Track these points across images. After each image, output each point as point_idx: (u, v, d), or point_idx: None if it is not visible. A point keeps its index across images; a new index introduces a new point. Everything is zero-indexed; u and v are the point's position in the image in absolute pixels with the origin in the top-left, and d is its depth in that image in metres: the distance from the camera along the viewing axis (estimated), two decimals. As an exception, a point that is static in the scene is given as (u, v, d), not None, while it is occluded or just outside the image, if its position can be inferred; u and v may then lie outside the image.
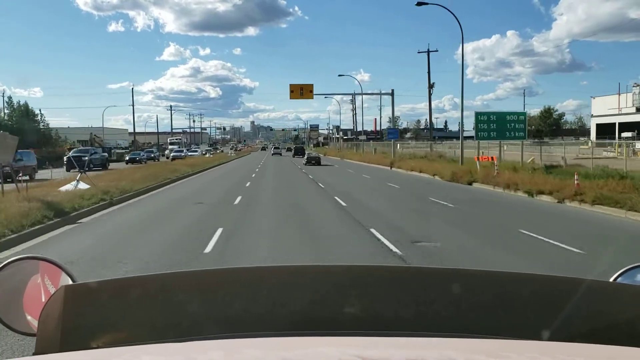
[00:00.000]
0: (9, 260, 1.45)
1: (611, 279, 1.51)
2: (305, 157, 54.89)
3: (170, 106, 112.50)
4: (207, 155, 75.62)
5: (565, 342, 1.15)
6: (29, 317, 1.41)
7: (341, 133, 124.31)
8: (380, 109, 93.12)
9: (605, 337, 1.15)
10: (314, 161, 49.36)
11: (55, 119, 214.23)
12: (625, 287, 1.43)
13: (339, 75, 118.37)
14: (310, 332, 1.20)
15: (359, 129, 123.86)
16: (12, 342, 4.92)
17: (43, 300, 1.37)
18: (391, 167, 41.58)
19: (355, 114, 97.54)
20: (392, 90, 51.49)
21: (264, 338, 1.15)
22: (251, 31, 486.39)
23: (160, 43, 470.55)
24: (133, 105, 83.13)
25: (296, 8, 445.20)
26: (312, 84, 52.47)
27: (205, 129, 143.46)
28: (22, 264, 1.49)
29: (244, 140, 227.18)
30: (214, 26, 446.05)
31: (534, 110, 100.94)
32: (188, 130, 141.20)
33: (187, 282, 1.36)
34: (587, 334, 1.19)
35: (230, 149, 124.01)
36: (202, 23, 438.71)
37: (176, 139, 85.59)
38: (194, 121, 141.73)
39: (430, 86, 56.18)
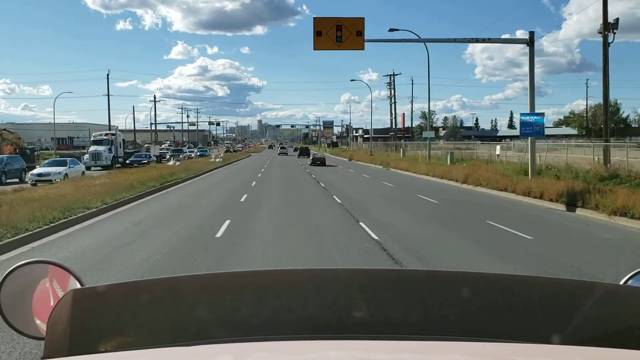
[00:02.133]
0: (18, 264, 1.45)
1: (621, 282, 1.48)
2: (310, 157, 56.18)
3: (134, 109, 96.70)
4: (171, 163, 44.73)
5: (575, 346, 1.14)
6: (37, 321, 1.40)
7: (360, 132, 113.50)
8: (412, 101, 73.40)
9: (616, 341, 1.14)
10: (319, 162, 49.18)
11: (63, 116, 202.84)
12: (636, 290, 1.40)
13: (351, 80, 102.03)
14: (318, 335, 1.20)
15: (355, 127, 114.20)
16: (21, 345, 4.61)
17: (52, 304, 1.35)
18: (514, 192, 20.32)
19: (394, 101, 75.29)
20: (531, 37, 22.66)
21: (273, 342, 1.15)
22: (259, 30, 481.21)
23: (168, 42, 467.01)
24: (108, 95, 68.86)
25: (304, 7, 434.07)
26: (363, 19, 21.64)
27: (193, 124, 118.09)
28: (30, 268, 1.48)
29: (244, 140, 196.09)
30: (221, 25, 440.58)
31: (580, 105, 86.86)
32: (180, 126, 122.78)
33: (195, 285, 1.35)
34: (597, 337, 1.18)
35: (226, 151, 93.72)
36: (210, 22, 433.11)
37: (104, 134, 46.91)
38: (187, 116, 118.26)
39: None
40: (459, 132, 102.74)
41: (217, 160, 55.49)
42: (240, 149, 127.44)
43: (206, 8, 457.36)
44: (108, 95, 68.59)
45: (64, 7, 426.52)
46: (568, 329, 1.20)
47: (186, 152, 71.11)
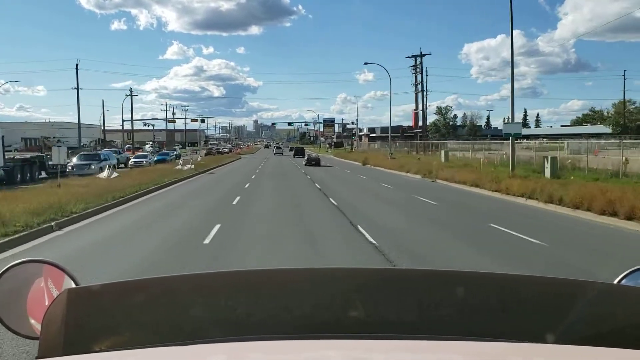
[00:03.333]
0: (12, 263, 1.43)
1: (615, 281, 1.48)
2: (305, 157, 54.52)
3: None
4: (104, 175, 26.29)
5: (570, 345, 1.14)
6: (32, 321, 1.39)
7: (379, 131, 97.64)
8: (425, 94, 60.94)
9: (610, 340, 1.14)
10: (314, 162, 48.85)
11: (59, 117, 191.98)
12: (629, 289, 1.40)
13: (365, 64, 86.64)
14: (314, 335, 1.19)
15: (355, 126, 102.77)
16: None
17: (46, 303, 1.34)
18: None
19: (423, 89, 59.18)
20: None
21: (269, 342, 1.15)
22: (255, 30, 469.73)
23: (163, 42, 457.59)
24: (78, 88, 58.98)
25: (300, 7, 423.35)
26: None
27: (172, 121, 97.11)
28: (25, 267, 1.47)
29: (236, 139, 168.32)
30: (217, 25, 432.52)
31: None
32: (165, 125, 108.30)
33: (190, 285, 1.35)
34: (591, 336, 1.18)
35: (206, 153, 76.14)
36: (205, 22, 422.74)
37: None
38: (173, 114, 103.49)
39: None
40: (478, 130, 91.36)
41: (187, 167, 37.64)
42: (228, 150, 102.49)
43: (201, 8, 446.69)
44: (77, 88, 59.17)
45: (57, 6, 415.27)
46: (562, 328, 1.20)
47: (118, 157, 42.72)
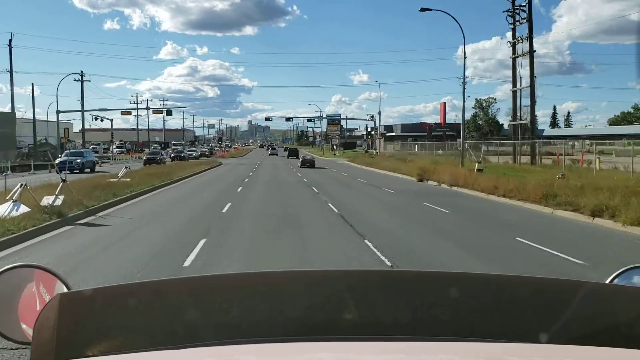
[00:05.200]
0: (3, 268, 1.42)
1: (608, 281, 1.49)
2: (300, 159, 52.00)
3: None
4: None
5: (563, 345, 1.15)
6: (24, 326, 1.38)
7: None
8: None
9: (604, 340, 1.14)
10: (308, 164, 48.49)
11: (47, 116, 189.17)
12: (622, 288, 1.41)
13: (421, 10, 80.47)
14: (308, 337, 1.19)
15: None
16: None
17: (38, 308, 1.34)
18: None
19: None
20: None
21: (262, 344, 1.14)
22: (249, 30, 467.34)
23: (157, 42, 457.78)
24: (11, 72, 49.76)
25: (295, 7, 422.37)
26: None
27: (126, 112, 72.93)
28: (16, 272, 1.46)
29: (219, 140, 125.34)
30: (211, 25, 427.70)
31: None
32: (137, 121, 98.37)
33: (183, 288, 1.34)
34: (585, 336, 1.18)
35: (151, 161, 46.87)
36: (199, 22, 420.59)
37: None
38: (148, 108, 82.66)
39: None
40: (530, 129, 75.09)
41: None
42: (201, 154, 75.60)
43: (195, 8, 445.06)
44: (11, 71, 49.99)
45: (49, 4, 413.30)
46: (556, 328, 1.20)
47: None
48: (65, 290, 1.40)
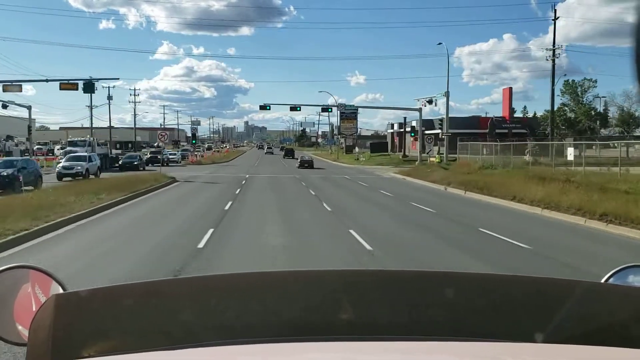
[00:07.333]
0: None
1: (602, 280, 1.49)
2: (299, 160, 50.42)
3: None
4: None
5: (558, 344, 1.15)
6: (19, 327, 1.37)
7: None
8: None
9: (598, 339, 1.15)
10: (307, 164, 47.50)
11: (47, 117, 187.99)
12: (616, 288, 1.41)
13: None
14: (304, 337, 1.19)
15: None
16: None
17: (34, 309, 1.33)
18: None
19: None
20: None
21: (258, 345, 1.14)
22: (246, 31, 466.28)
23: (153, 42, 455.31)
24: None
25: (291, 8, 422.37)
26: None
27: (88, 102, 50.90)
28: (11, 273, 1.45)
29: (193, 139, 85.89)
30: (207, 25, 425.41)
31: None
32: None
33: (179, 289, 1.34)
34: (580, 335, 1.19)
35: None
36: (196, 22, 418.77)
37: None
38: (110, 98, 61.01)
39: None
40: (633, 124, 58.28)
41: None
42: (185, 157, 60.54)
43: (191, 8, 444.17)
44: None
45: (43, 3, 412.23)
46: (552, 327, 1.20)
47: None
48: (61, 291, 1.40)
